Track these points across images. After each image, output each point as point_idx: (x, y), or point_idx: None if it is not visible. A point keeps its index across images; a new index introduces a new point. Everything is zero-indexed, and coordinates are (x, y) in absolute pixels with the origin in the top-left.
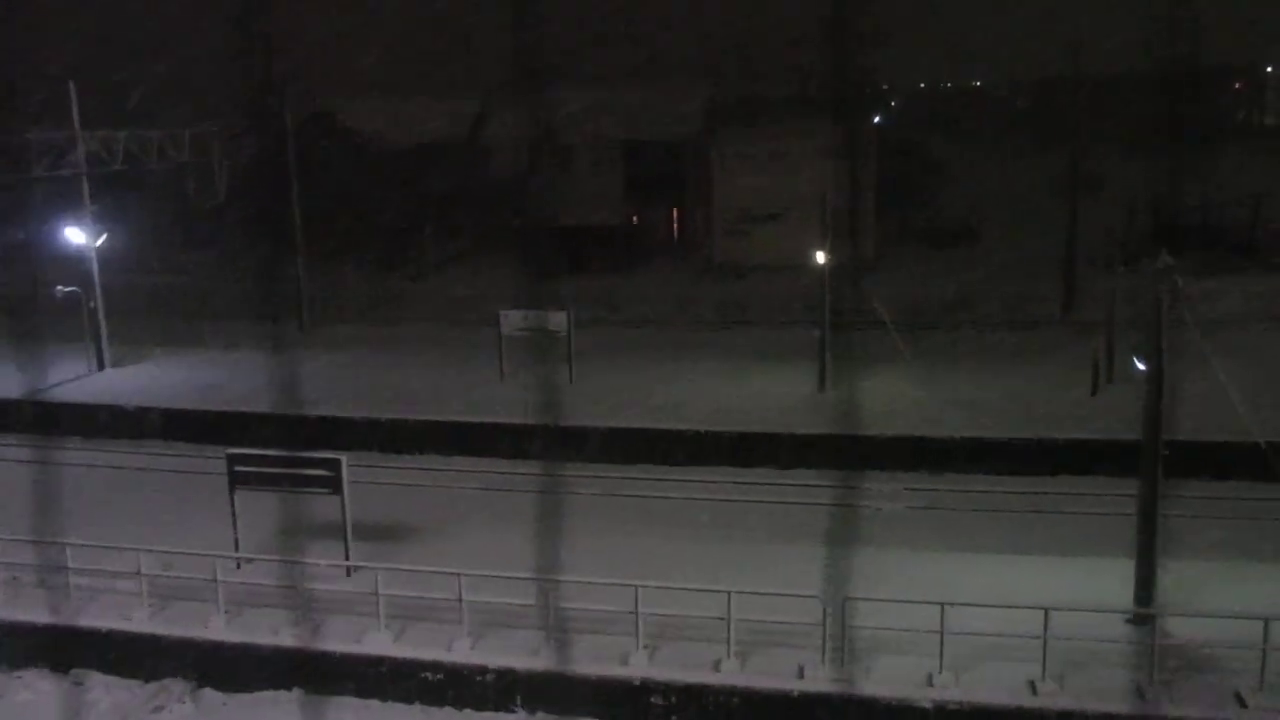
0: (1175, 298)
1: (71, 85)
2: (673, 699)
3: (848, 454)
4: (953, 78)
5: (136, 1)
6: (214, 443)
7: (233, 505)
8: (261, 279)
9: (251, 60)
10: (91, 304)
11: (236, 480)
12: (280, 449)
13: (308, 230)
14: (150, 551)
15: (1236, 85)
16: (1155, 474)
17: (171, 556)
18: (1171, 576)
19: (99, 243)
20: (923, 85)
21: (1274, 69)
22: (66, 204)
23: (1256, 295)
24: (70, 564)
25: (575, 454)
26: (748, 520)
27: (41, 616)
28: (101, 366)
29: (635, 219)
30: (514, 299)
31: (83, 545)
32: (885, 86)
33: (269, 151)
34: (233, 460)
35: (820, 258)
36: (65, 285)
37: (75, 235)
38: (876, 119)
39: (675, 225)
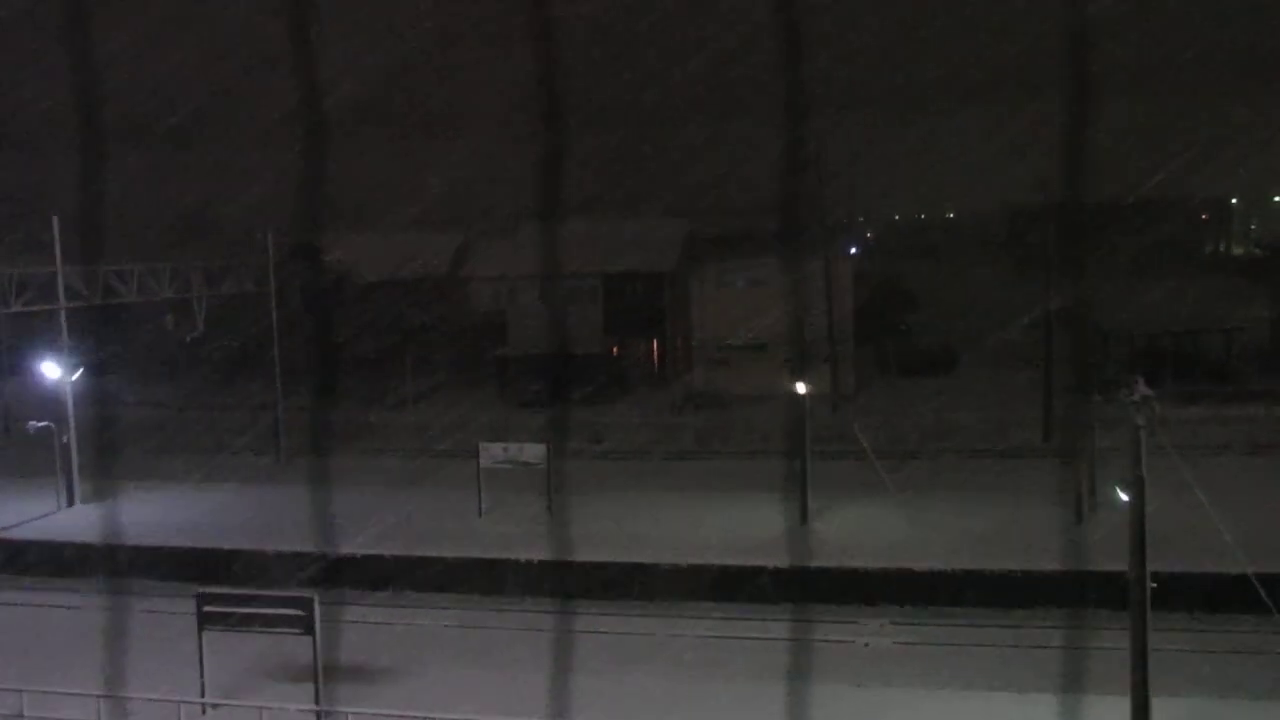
0: (1154, 427)
1: (55, 219)
2: None
3: (831, 588)
4: (928, 209)
5: (117, 136)
6: (183, 580)
7: (200, 646)
8: (239, 411)
9: (234, 194)
10: (64, 438)
11: (205, 620)
12: (251, 587)
13: (287, 362)
14: (110, 698)
15: (1203, 216)
16: (1144, 608)
17: (133, 702)
18: (1166, 714)
19: (74, 377)
20: (897, 216)
21: (1238, 200)
22: (44, 337)
23: (1234, 423)
24: (26, 712)
25: (554, 590)
26: (730, 658)
27: None
28: (71, 503)
29: (616, 349)
30: (493, 431)
31: (38, 691)
32: (861, 218)
33: (250, 284)
34: (201, 600)
35: (800, 388)
36: (38, 420)
37: (50, 370)
38: (853, 249)
39: (656, 355)
